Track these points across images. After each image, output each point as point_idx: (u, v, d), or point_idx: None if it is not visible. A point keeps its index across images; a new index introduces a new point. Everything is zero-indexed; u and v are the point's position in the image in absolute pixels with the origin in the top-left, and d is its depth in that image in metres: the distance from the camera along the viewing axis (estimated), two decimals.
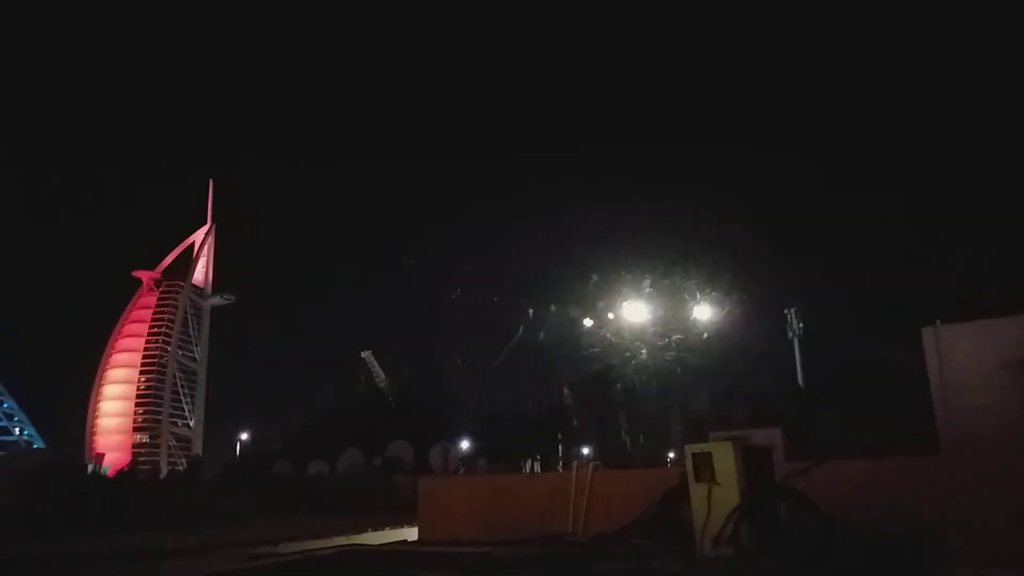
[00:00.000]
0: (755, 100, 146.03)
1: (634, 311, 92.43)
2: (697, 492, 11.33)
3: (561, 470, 53.22)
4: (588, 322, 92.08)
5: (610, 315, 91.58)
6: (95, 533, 21.74)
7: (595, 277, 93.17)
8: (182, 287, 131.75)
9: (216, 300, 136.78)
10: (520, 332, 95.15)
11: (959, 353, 17.80)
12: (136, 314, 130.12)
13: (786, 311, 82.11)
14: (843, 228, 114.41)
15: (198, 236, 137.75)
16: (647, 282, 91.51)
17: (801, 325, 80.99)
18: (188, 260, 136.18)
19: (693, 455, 11.61)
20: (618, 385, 65.56)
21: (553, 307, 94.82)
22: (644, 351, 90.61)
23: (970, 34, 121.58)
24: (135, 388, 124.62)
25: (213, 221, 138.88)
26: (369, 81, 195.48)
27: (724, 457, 11.22)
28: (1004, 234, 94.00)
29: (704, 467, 11.33)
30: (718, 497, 11.07)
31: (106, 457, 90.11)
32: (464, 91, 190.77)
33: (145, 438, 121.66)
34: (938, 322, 18.48)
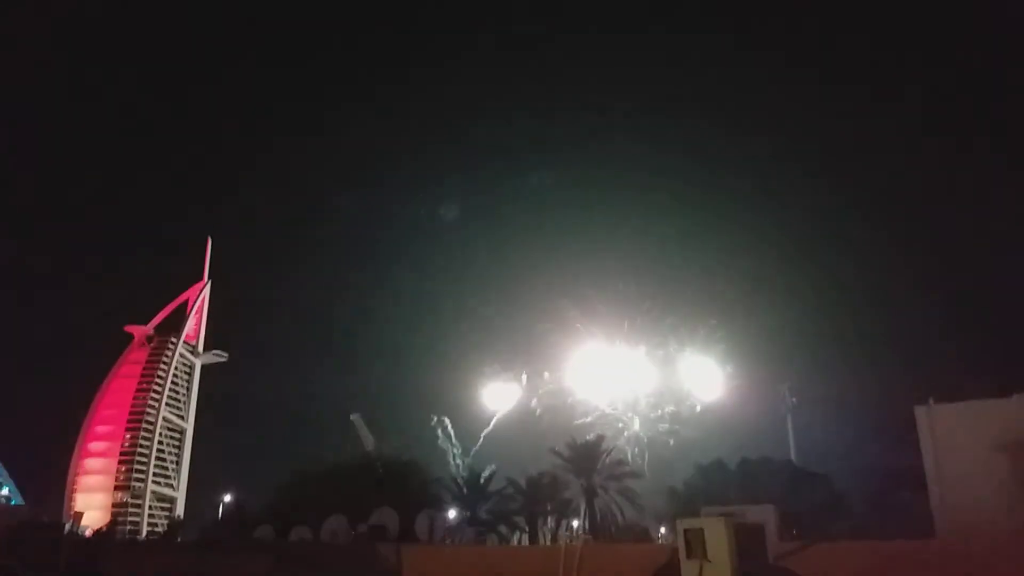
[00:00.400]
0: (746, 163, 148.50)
1: (627, 381, 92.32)
2: (688, 570, 11.09)
3: (550, 542, 52.07)
4: (580, 391, 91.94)
5: (602, 385, 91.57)
6: None
7: (590, 344, 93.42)
8: (174, 343, 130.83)
9: (209, 357, 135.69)
10: (513, 400, 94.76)
11: (953, 433, 17.73)
12: (126, 369, 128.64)
13: (780, 387, 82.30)
14: (837, 302, 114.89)
15: (193, 292, 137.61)
16: (642, 350, 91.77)
17: (794, 400, 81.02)
18: (182, 316, 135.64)
19: (685, 531, 11.41)
20: (609, 456, 64.75)
21: (547, 374, 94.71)
22: (637, 422, 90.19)
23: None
24: (119, 445, 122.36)
25: (209, 277, 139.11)
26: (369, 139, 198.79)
27: (717, 534, 11.01)
28: (997, 315, 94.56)
29: (696, 544, 11.11)
30: (709, 575, 10.83)
31: (85, 516, 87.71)
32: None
33: (127, 497, 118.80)
34: (931, 401, 18.46)
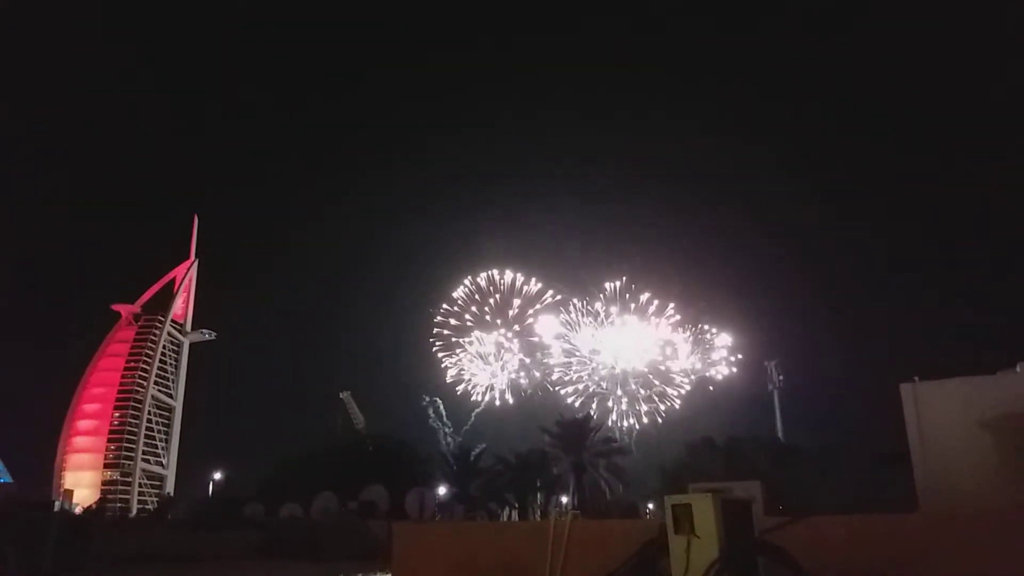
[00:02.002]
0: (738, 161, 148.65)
1: (617, 361, 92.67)
2: (676, 544, 11.17)
3: (539, 518, 52.53)
4: (572, 371, 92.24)
5: (593, 363, 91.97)
6: (56, 572, 21.12)
7: (582, 326, 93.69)
8: (162, 322, 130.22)
9: (196, 336, 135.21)
10: (503, 379, 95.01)
11: (937, 410, 17.87)
12: (113, 348, 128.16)
13: (766, 364, 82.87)
14: (824, 282, 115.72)
15: (180, 271, 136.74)
16: (634, 331, 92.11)
17: (781, 378, 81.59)
18: (169, 295, 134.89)
19: (672, 507, 11.46)
20: (597, 434, 65.24)
21: (539, 354, 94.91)
22: (625, 401, 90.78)
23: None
24: (108, 424, 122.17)
25: (196, 256, 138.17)
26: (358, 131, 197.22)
27: (704, 510, 11.09)
28: (983, 293, 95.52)
29: (683, 519, 11.17)
30: (697, 550, 10.91)
31: (75, 494, 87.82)
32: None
33: (116, 475, 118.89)
34: (916, 379, 18.56)
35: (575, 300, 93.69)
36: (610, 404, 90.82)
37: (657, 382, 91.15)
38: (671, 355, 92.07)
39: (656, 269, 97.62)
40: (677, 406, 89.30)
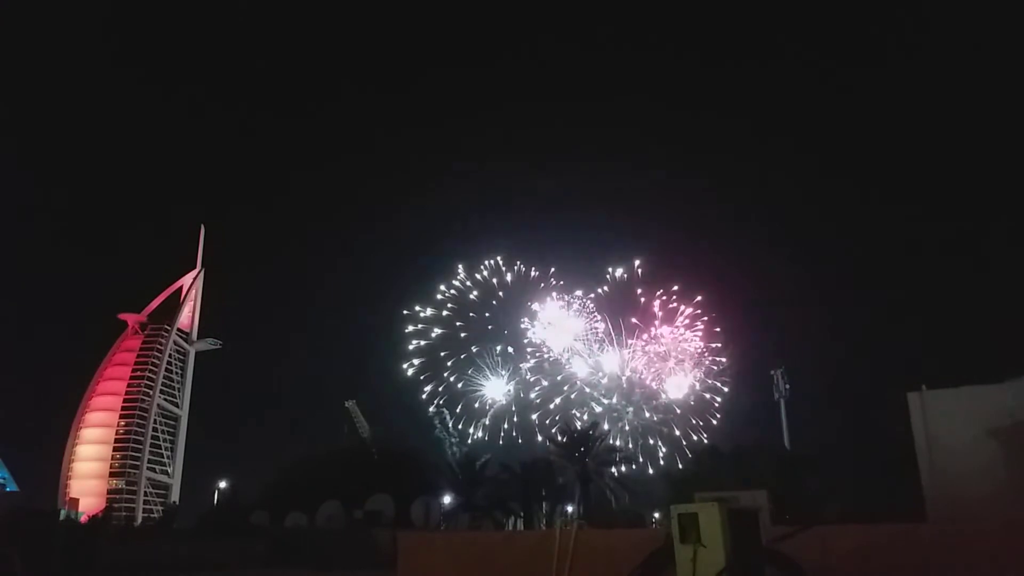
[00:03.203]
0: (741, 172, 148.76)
1: (623, 370, 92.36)
2: (682, 554, 11.15)
3: (544, 527, 52.37)
4: (577, 381, 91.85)
5: (598, 373, 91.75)
6: None
7: (589, 335, 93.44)
8: (168, 331, 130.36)
9: (203, 345, 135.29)
10: (509, 390, 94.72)
11: (945, 418, 17.84)
12: (119, 357, 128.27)
13: (772, 372, 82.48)
14: (830, 290, 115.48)
15: (186, 280, 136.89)
16: (639, 341, 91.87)
17: (787, 386, 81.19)
18: (175, 304, 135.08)
19: (679, 516, 11.44)
20: (603, 443, 65.12)
21: (546, 365, 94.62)
22: (631, 410, 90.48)
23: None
24: (114, 432, 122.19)
25: (202, 265, 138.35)
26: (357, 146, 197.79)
27: (710, 519, 11.07)
28: (990, 302, 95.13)
29: (690, 528, 11.16)
30: (704, 559, 10.88)
31: (81, 503, 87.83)
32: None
33: (122, 484, 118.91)
34: (924, 387, 18.55)
35: (580, 300, 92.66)
36: (615, 415, 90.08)
37: (678, 410, 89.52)
38: (706, 371, 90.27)
39: (663, 279, 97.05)
40: (705, 439, 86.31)
